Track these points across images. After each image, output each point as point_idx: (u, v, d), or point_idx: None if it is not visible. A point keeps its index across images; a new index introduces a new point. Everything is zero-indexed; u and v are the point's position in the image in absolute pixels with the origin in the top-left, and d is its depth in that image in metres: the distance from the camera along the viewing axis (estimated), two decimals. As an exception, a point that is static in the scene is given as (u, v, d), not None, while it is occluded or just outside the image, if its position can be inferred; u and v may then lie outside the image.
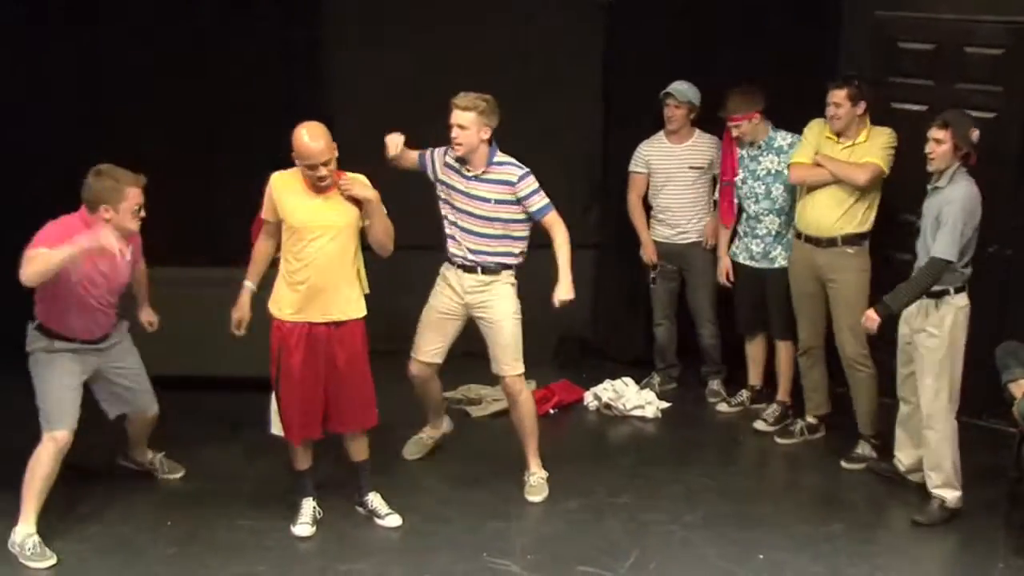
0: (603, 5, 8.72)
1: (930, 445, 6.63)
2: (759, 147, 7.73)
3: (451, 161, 6.76)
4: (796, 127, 7.65)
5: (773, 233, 7.76)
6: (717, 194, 8.04)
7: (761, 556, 6.21)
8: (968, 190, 6.45)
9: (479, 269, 6.79)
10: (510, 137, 8.56)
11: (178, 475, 7.01)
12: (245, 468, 7.20)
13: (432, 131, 8.52)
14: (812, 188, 7.34)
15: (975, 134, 6.47)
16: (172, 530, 6.44)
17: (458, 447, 7.59)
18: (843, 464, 7.31)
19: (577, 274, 8.99)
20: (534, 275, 8.87)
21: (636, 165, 8.23)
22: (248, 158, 8.40)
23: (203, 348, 7.95)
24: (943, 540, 6.56)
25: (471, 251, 6.76)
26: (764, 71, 7.93)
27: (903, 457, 6.98)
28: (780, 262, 7.74)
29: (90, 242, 5.77)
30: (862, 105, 7.18)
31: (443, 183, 6.80)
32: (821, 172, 7.29)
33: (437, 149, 6.87)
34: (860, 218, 7.22)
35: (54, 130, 8.41)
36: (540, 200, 6.73)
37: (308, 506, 6.46)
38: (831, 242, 7.26)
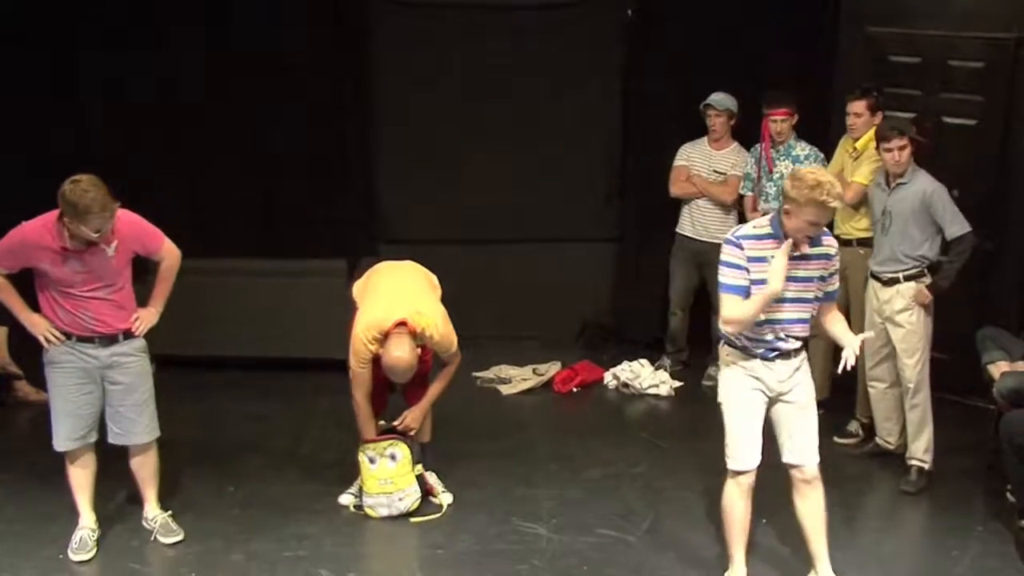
0: (625, 15, 8.74)
1: (916, 414, 6.68)
2: (779, 151, 7.68)
3: (766, 252, 5.22)
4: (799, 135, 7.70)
5: None
6: (745, 190, 7.90)
7: (764, 520, 6.15)
8: (934, 179, 6.57)
9: (792, 354, 5.41)
10: (537, 140, 8.75)
11: (172, 540, 6.00)
12: (298, 441, 7.25)
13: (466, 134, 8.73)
14: None
15: (914, 129, 6.59)
16: (235, 494, 6.54)
17: (490, 422, 7.64)
18: (835, 439, 7.28)
19: (599, 265, 9.18)
20: (560, 264, 9.05)
21: (679, 159, 8.19)
22: (306, 159, 8.69)
23: (261, 332, 8.24)
24: (927, 505, 6.60)
25: (789, 338, 5.35)
26: (768, 82, 7.92)
27: (886, 436, 7.00)
28: None
29: (26, 323, 5.65)
30: (879, 115, 7.12)
31: (755, 283, 5.23)
32: None
33: (736, 256, 5.24)
34: (863, 223, 7.14)
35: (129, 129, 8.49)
36: (837, 279, 5.51)
37: (359, 479, 6.43)
38: (847, 243, 7.17)
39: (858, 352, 5.27)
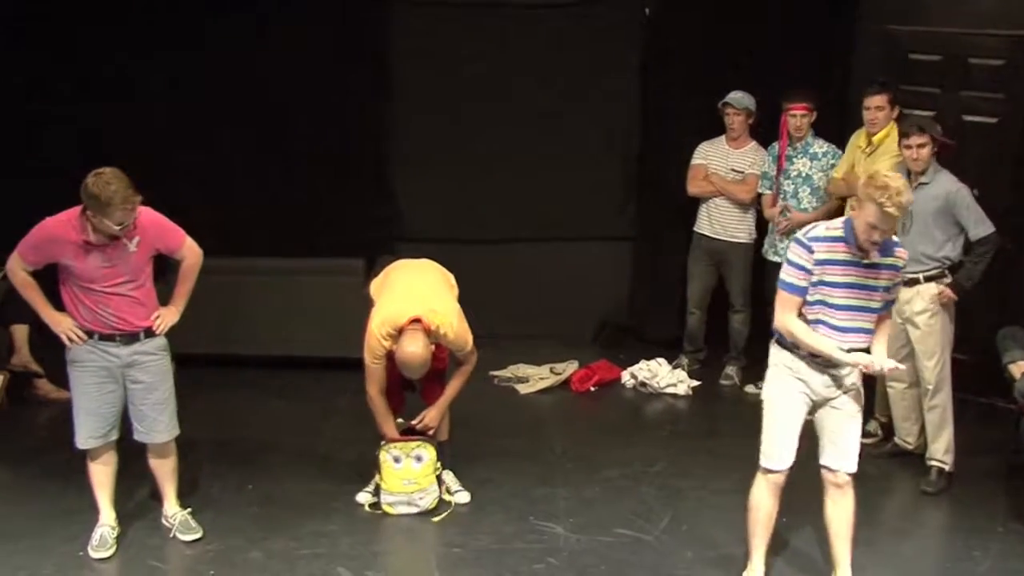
0: (643, 13, 8.74)
1: (935, 415, 6.64)
2: (796, 148, 7.67)
3: (836, 256, 5.10)
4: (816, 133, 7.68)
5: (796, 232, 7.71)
6: (763, 188, 7.90)
7: (784, 520, 6.09)
8: (956, 179, 6.50)
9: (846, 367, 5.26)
10: (553, 138, 8.76)
11: (191, 537, 6.00)
12: (316, 440, 7.25)
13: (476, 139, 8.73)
14: None
15: (938, 128, 6.52)
16: (253, 492, 6.54)
17: (507, 421, 7.63)
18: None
19: (616, 264, 9.18)
20: (577, 263, 9.04)
21: (697, 158, 8.17)
22: (323, 158, 8.70)
23: (278, 331, 8.24)
24: (948, 505, 6.57)
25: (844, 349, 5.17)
26: (784, 81, 7.89)
27: (905, 436, 6.97)
28: None
29: (49, 322, 5.65)
30: (897, 109, 7.09)
31: (821, 284, 5.13)
32: (842, 186, 7.30)
33: (802, 258, 5.11)
34: None
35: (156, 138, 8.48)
36: (898, 291, 5.46)
37: (376, 477, 6.43)
38: None
39: (884, 373, 5.23)
